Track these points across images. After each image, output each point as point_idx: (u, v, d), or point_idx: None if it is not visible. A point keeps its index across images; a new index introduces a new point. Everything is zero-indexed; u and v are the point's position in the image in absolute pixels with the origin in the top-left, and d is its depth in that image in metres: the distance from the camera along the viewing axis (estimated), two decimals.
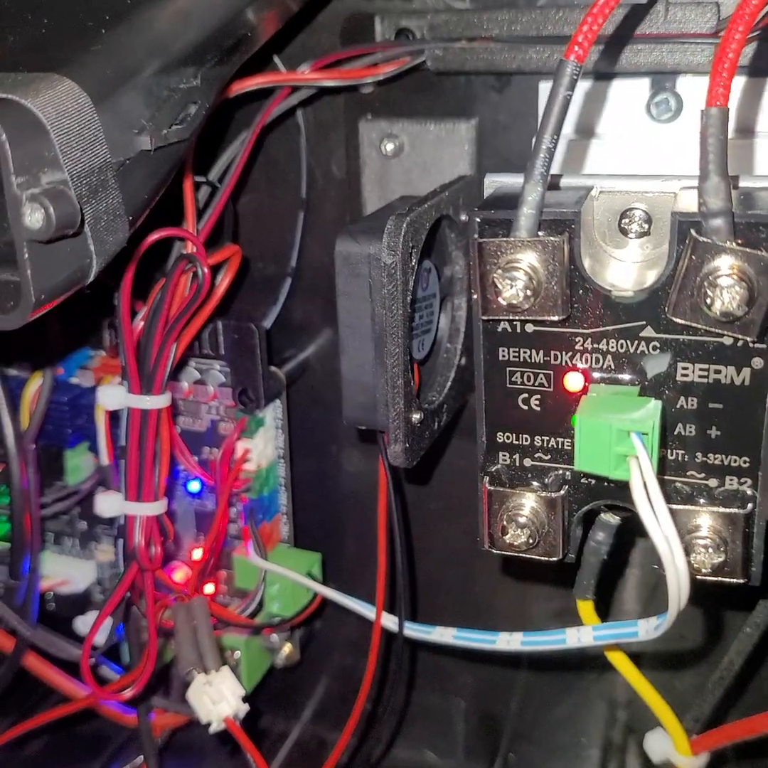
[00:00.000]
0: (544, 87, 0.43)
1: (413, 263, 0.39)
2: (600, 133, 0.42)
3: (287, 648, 0.58)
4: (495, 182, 0.35)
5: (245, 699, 0.44)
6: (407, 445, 0.40)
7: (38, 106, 0.29)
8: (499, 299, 0.31)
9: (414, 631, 0.45)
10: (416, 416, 0.41)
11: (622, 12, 0.39)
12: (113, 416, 0.49)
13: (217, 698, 0.43)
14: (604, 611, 0.42)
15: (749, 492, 0.32)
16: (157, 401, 0.44)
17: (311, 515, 0.57)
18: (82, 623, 0.57)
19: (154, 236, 0.40)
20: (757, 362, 0.30)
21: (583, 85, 0.42)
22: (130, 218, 0.33)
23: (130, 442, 0.45)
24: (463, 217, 0.45)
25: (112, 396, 0.45)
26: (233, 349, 0.50)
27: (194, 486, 0.55)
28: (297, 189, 0.51)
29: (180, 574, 0.54)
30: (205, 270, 0.41)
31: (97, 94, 0.31)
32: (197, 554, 0.55)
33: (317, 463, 0.57)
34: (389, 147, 0.46)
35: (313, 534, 0.57)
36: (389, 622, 0.46)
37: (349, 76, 0.44)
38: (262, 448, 0.52)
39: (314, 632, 0.62)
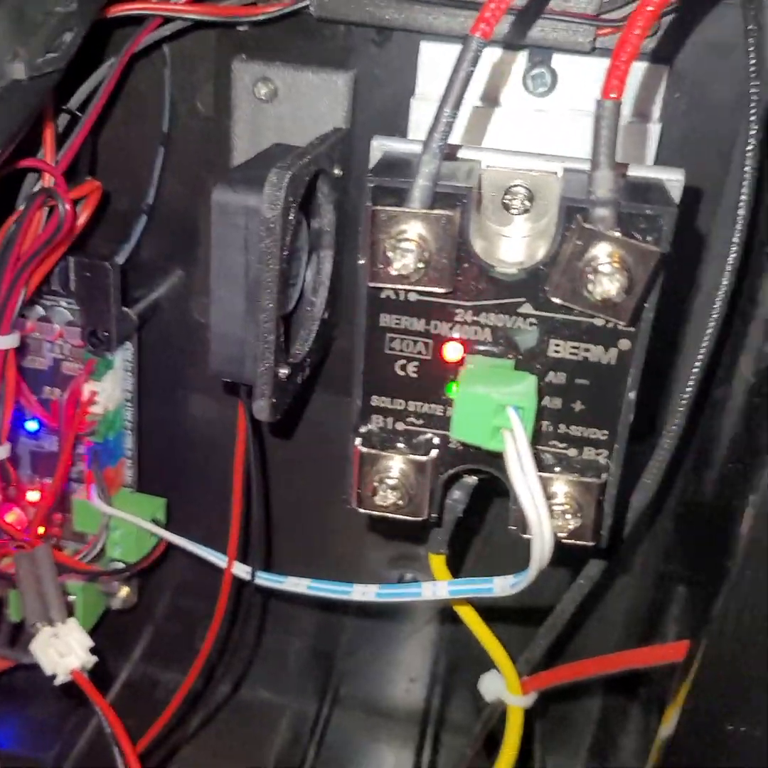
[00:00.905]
0: (425, 46, 0.43)
1: (291, 218, 0.38)
2: (478, 101, 0.43)
3: (124, 591, 0.57)
4: (383, 146, 0.35)
5: (92, 650, 0.44)
6: (273, 399, 0.40)
7: None
8: (389, 269, 0.31)
9: (266, 580, 0.46)
10: (283, 371, 0.41)
11: None
12: None
13: (65, 651, 0.42)
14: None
15: (604, 462, 0.35)
16: (4, 342, 0.41)
17: (157, 460, 0.56)
18: None
19: (8, 167, 0.37)
20: (624, 343, 0.32)
21: None
22: (1, 151, 0.31)
23: None
24: (337, 172, 0.44)
25: None
26: (84, 288, 0.47)
27: (31, 425, 0.52)
28: (158, 123, 0.49)
29: (12, 516, 0.52)
30: (68, 206, 0.39)
31: None
32: (32, 496, 0.53)
33: (164, 407, 0.56)
34: (263, 91, 0.45)
35: (158, 479, 0.56)
36: (241, 570, 0.47)
37: (225, 13, 0.42)
38: (110, 390, 0.50)
39: (150, 575, 0.61)
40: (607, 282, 0.29)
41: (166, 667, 0.65)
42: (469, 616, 0.43)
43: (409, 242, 0.30)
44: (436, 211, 0.30)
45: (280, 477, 0.56)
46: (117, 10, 0.40)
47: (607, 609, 0.54)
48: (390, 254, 0.31)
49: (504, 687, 0.46)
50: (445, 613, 0.60)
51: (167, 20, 0.43)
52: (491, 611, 0.46)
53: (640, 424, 0.40)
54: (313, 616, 0.62)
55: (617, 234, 0.29)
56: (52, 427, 0.51)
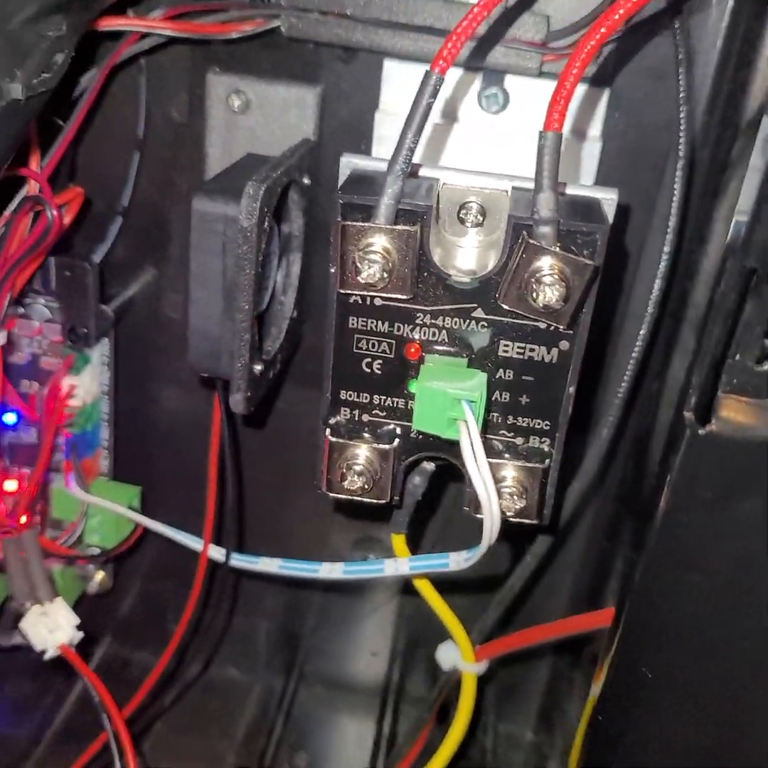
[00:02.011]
0: (388, 64, 0.47)
1: (266, 226, 0.41)
2: (438, 118, 0.46)
3: (100, 575, 0.60)
4: (351, 163, 0.38)
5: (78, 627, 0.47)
6: (248, 393, 0.44)
7: None
8: (357, 278, 0.34)
9: (240, 561, 0.49)
10: (258, 367, 0.44)
11: None
12: None
13: (53, 627, 0.45)
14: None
15: (547, 449, 0.39)
16: None
17: (131, 450, 0.59)
18: None
19: None
20: (564, 344, 0.36)
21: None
22: None
23: None
24: (306, 181, 0.47)
25: None
26: (64, 286, 0.50)
27: (9, 418, 0.55)
28: (134, 128, 0.52)
29: None
30: (55, 212, 0.41)
31: None
32: (10, 485, 0.55)
33: (138, 399, 0.59)
34: (236, 103, 0.48)
35: (132, 468, 0.59)
36: (216, 552, 0.50)
37: (201, 30, 0.45)
38: (88, 384, 0.53)
39: (124, 560, 0.64)
40: (548, 291, 0.33)
41: (138, 648, 0.68)
42: (426, 590, 0.47)
43: (375, 254, 0.34)
44: (399, 227, 0.34)
45: (251, 464, 0.59)
46: (101, 26, 0.43)
47: (555, 582, 0.59)
48: (358, 265, 0.34)
49: (459, 656, 0.50)
50: (404, 591, 0.64)
51: (145, 35, 0.46)
52: (448, 584, 0.50)
53: (582, 415, 0.44)
54: (280, 597, 0.66)
55: (557, 249, 0.33)
56: (31, 419, 0.54)
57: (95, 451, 0.56)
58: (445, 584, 0.49)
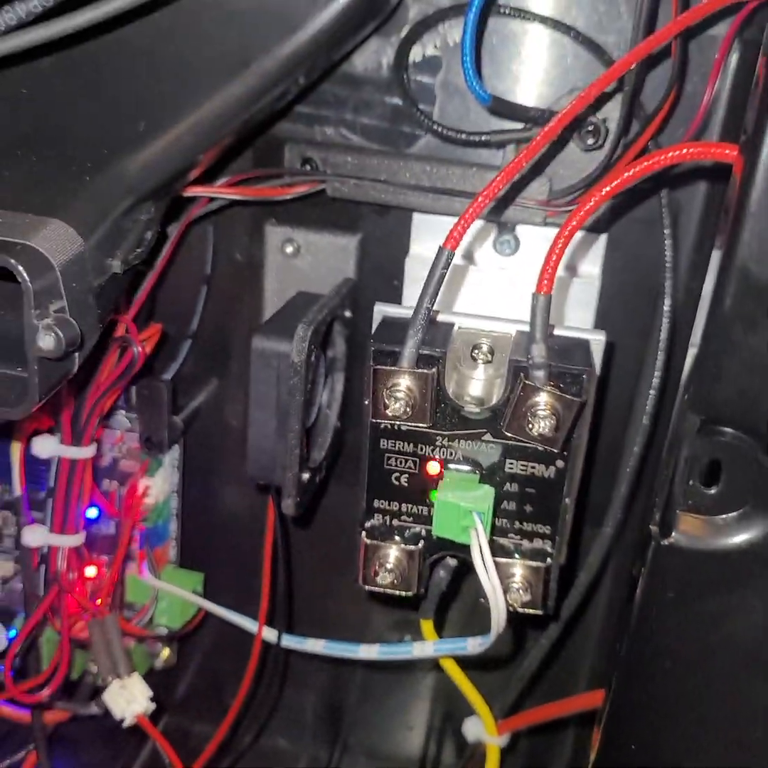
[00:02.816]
0: (417, 217, 0.55)
1: (313, 358, 0.50)
2: (458, 260, 0.55)
3: (166, 652, 0.67)
4: (382, 311, 0.47)
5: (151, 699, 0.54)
6: (298, 498, 0.51)
7: (47, 249, 0.38)
8: (387, 411, 0.42)
9: (290, 642, 0.56)
10: (306, 475, 0.52)
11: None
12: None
13: (131, 699, 0.52)
14: (438, 627, 0.55)
15: (549, 550, 0.45)
16: (85, 452, 0.53)
17: (195, 540, 0.67)
18: None
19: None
20: (560, 463, 0.44)
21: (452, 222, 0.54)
22: (100, 325, 0.42)
23: (58, 484, 0.53)
24: (348, 314, 0.56)
25: (45, 446, 0.53)
26: (143, 402, 0.59)
27: (92, 512, 0.63)
28: (202, 267, 0.61)
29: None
30: (140, 349, 0.50)
31: (85, 233, 0.40)
32: (90, 571, 0.63)
33: (203, 496, 0.67)
34: (288, 249, 0.57)
35: (196, 557, 0.66)
36: (269, 634, 0.57)
37: (261, 194, 0.54)
38: (161, 485, 0.61)
39: (187, 639, 0.71)
40: (542, 422, 0.41)
41: (197, 719, 0.75)
42: (452, 669, 0.54)
43: (400, 392, 0.42)
44: (419, 370, 0.42)
45: (299, 555, 0.66)
46: (183, 192, 0.52)
47: (574, 660, 0.65)
48: (386, 401, 0.42)
49: (483, 729, 0.56)
50: (436, 670, 0.70)
51: (214, 198, 0.55)
52: (473, 663, 0.56)
53: (597, 512, 0.51)
54: (325, 673, 0.73)
55: (549, 388, 0.40)
56: (110, 513, 0.62)
57: (165, 542, 0.64)
58: (470, 663, 0.55)
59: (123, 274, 0.43)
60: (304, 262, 0.57)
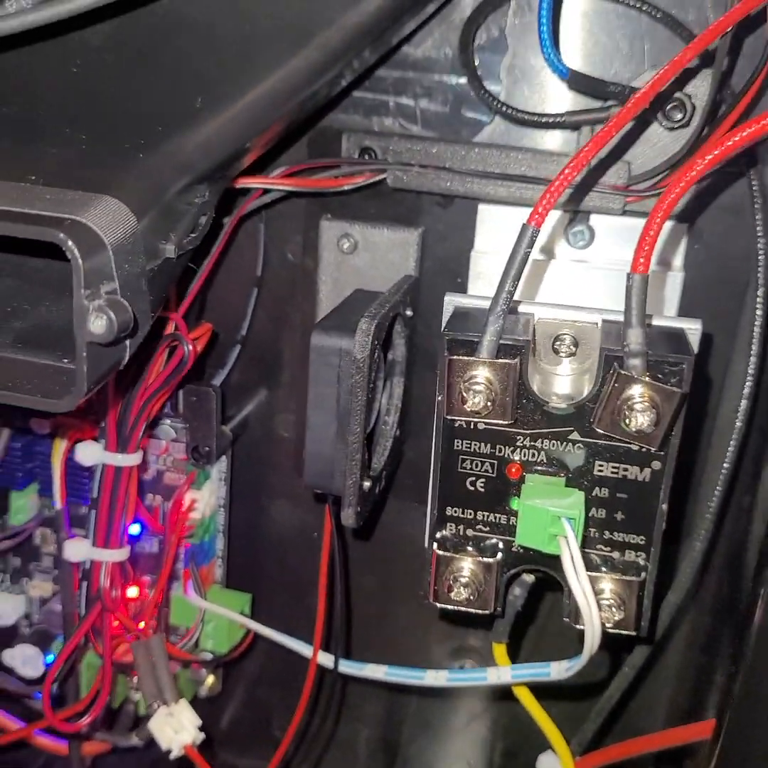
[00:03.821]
0: (482, 208, 0.52)
1: (376, 356, 0.46)
2: None
3: (210, 680, 0.63)
4: (453, 301, 0.43)
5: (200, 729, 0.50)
6: (359, 508, 0.47)
7: (99, 226, 0.34)
8: (464, 406, 0.38)
9: (348, 667, 0.52)
10: (367, 484, 0.48)
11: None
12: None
13: (178, 728, 0.48)
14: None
15: (643, 563, 0.41)
16: (131, 459, 0.49)
17: (243, 559, 0.63)
18: (10, 656, 0.60)
19: None
20: (656, 464, 0.39)
21: (520, 212, 0.50)
22: (152, 314, 0.39)
23: (102, 494, 0.49)
24: (409, 313, 0.52)
25: (89, 453, 0.49)
26: (191, 410, 0.55)
27: (134, 528, 0.60)
28: (253, 268, 0.58)
29: None
30: (190, 347, 0.47)
31: (138, 212, 0.37)
32: (132, 592, 0.60)
33: (251, 512, 0.63)
34: (345, 245, 0.54)
35: (243, 576, 0.63)
36: (325, 658, 0.53)
37: (318, 185, 0.51)
38: (208, 498, 0.58)
39: (232, 665, 0.67)
40: (640, 417, 0.36)
41: (243, 753, 0.71)
42: (527, 699, 0.49)
43: (479, 385, 0.38)
44: (500, 360, 0.38)
45: (357, 573, 0.62)
46: (236, 184, 0.49)
47: (652, 694, 0.59)
48: (464, 394, 0.38)
49: (559, 766, 0.51)
50: (499, 701, 0.66)
51: (268, 190, 0.52)
52: (544, 694, 0.51)
53: (676, 527, 0.46)
54: (380, 705, 0.68)
55: (647, 379, 0.36)
56: (154, 530, 0.59)
57: (211, 561, 0.60)
58: (541, 694, 0.51)
59: (176, 260, 0.39)
60: (362, 259, 0.54)
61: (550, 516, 0.38)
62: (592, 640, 0.38)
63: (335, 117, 0.53)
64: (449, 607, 0.42)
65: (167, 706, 0.49)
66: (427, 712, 0.68)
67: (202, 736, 0.50)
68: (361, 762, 0.69)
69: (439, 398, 0.39)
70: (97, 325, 0.33)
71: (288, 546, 0.63)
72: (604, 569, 0.41)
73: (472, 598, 0.42)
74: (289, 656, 0.56)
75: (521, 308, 0.42)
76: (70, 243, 0.32)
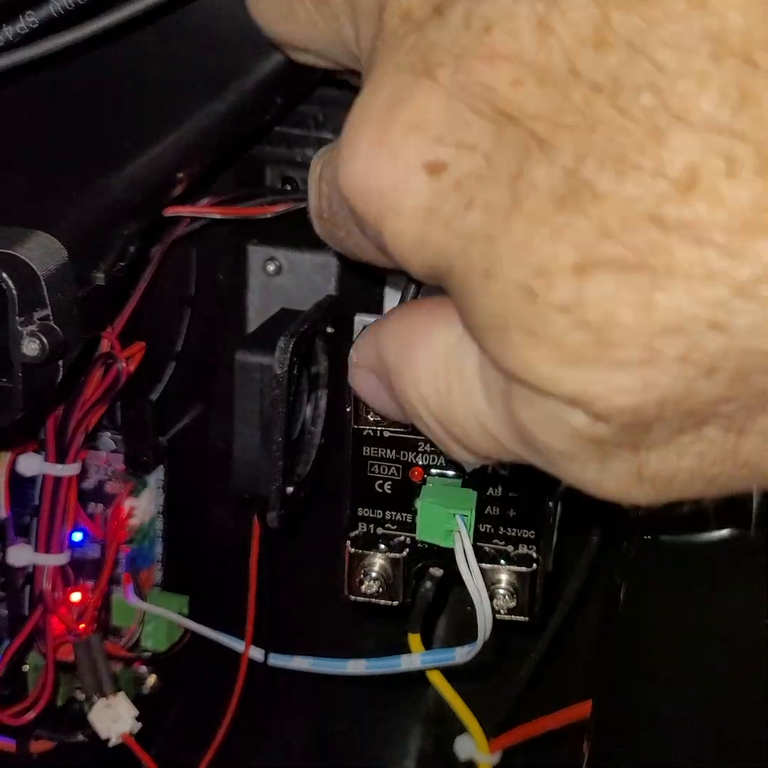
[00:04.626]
0: None
1: (295, 372, 0.50)
2: None
3: (152, 678, 0.66)
4: (362, 320, 0.47)
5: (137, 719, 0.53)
6: (282, 511, 0.51)
7: (32, 259, 0.38)
8: (368, 416, 0.43)
9: (277, 660, 0.56)
10: (290, 489, 0.52)
11: None
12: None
13: (116, 718, 0.51)
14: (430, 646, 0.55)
15: (534, 555, 0.46)
16: (69, 469, 0.53)
17: (180, 562, 0.66)
18: None
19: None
20: None
21: None
22: (84, 336, 0.43)
23: (43, 503, 0.53)
24: (329, 329, 0.56)
25: (30, 464, 0.53)
26: (127, 422, 0.59)
27: (76, 536, 0.63)
28: (186, 288, 0.61)
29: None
30: (123, 365, 0.51)
31: (70, 246, 0.41)
32: (75, 596, 0.63)
33: (187, 518, 0.66)
34: (270, 268, 0.58)
35: (181, 578, 0.66)
36: (256, 653, 0.57)
37: (243, 213, 0.55)
38: (146, 506, 0.61)
39: (172, 665, 0.71)
40: None
41: (187, 748, 0.74)
42: (440, 683, 0.53)
43: None
44: None
45: (287, 575, 0.66)
46: (166, 212, 0.53)
47: (563, 674, 0.64)
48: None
49: (475, 747, 0.56)
50: (432, 690, 0.70)
51: (196, 218, 0.56)
52: (466, 680, 0.56)
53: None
54: (315, 697, 0.72)
55: None
56: (96, 536, 0.62)
57: (151, 565, 0.64)
58: (462, 680, 0.55)
59: (107, 287, 0.43)
60: (287, 280, 0.58)
61: (445, 513, 0.42)
62: (483, 625, 0.42)
63: (260, 149, 0.57)
64: (361, 598, 0.47)
65: (106, 699, 0.52)
66: (362, 703, 0.72)
67: (139, 725, 0.53)
68: (295, 753, 0.73)
69: (349, 409, 0.44)
70: (31, 348, 0.37)
71: (223, 550, 0.67)
72: (501, 562, 0.46)
73: (381, 590, 0.46)
74: (226, 654, 0.59)
75: None
76: (3, 275, 0.36)
